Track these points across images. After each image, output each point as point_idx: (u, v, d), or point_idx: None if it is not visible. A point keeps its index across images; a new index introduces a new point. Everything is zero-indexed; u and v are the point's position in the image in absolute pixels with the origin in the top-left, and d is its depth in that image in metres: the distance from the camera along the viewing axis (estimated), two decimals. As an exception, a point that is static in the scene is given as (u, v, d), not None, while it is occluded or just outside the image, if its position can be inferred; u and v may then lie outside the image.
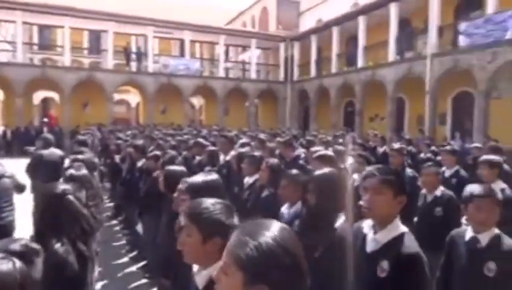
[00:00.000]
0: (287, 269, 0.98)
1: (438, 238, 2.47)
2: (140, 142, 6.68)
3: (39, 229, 2.12)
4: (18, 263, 1.18)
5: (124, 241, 6.49)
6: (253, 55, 26.41)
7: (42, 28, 28.77)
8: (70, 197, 2.20)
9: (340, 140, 8.82)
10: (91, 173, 3.72)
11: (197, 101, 29.26)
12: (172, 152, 4.88)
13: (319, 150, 5.77)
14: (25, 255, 1.44)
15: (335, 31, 21.03)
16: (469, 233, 2.24)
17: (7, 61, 21.34)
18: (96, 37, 28.79)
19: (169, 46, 29.65)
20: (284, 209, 3.13)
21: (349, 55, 20.91)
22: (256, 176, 3.94)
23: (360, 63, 19.38)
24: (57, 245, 1.99)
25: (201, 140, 6.65)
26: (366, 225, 1.99)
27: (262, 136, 9.09)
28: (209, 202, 1.56)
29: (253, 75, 26.26)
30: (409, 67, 16.35)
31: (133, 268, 5.43)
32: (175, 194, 2.61)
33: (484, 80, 13.18)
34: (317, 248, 2.59)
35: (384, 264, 1.75)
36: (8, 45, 24.43)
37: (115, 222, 7.56)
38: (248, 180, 4.07)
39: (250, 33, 26.96)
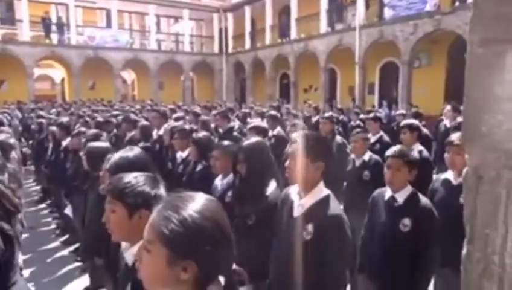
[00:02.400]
0: (214, 242, 0.94)
1: (366, 200, 2.62)
2: (65, 119, 6.24)
3: None
4: None
5: (53, 226, 6.15)
6: (186, 26, 25.56)
7: None
8: None
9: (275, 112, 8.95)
10: (6, 154, 3.41)
11: (128, 75, 27.90)
12: (96, 130, 4.61)
13: (254, 121, 5.84)
14: None
15: (268, 2, 20.93)
16: (388, 193, 2.40)
17: None
18: (8, 4, 25.92)
19: (94, 17, 27.59)
20: (218, 180, 3.13)
21: (283, 27, 21.02)
22: (188, 150, 3.88)
23: (293, 34, 19.58)
24: None
25: (132, 115, 6.38)
26: (293, 190, 2.04)
27: (197, 109, 8.95)
28: (131, 176, 1.52)
29: (187, 47, 25.49)
30: (340, 38, 16.84)
31: (65, 252, 5.19)
32: (101, 173, 2.49)
33: (407, 50, 13.99)
34: (251, 216, 2.64)
35: (309, 227, 1.82)
36: None
37: (42, 206, 7.11)
38: (181, 154, 4.00)
39: (182, 3, 25.90)
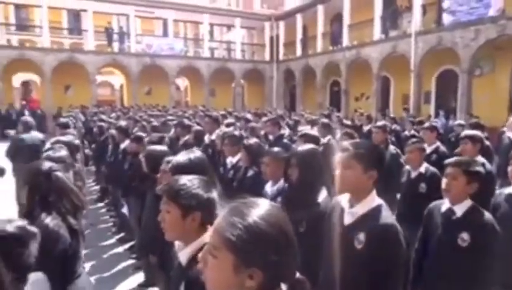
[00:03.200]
0: (280, 249, 0.93)
1: (421, 213, 2.53)
2: (123, 123, 6.60)
3: (28, 207, 2.10)
4: None
5: (110, 223, 6.49)
6: (238, 34, 26.06)
7: (19, 8, 27.77)
8: (58, 173, 2.17)
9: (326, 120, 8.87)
10: (73, 155, 3.67)
11: (182, 82, 28.91)
12: (157, 134, 4.84)
13: (305, 129, 5.83)
14: (20, 237, 1.41)
15: (320, 10, 20.84)
16: (446, 205, 2.30)
17: (-17, 43, 20.65)
18: (75, 16, 27.94)
19: (152, 26, 28.98)
20: (268, 187, 3.16)
21: (335, 34, 20.81)
22: (238, 156, 3.95)
23: (345, 41, 19.31)
24: (47, 219, 1.98)
25: (185, 120, 6.61)
26: (344, 199, 2.02)
27: (248, 116, 9.09)
28: (186, 178, 1.58)
29: (238, 55, 25.98)
30: (394, 45, 16.36)
31: (120, 249, 5.45)
32: (158, 175, 2.61)
33: (467, 58, 13.30)
34: (302, 223, 2.64)
35: (361, 236, 1.79)
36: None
37: (101, 204, 7.53)
38: (231, 160, 4.08)
39: (235, 12, 26.51)
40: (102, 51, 22.67)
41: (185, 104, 26.16)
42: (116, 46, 23.06)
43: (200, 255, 1.05)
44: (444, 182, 2.28)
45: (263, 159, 3.04)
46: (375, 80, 17.33)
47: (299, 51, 23.19)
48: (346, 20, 19.12)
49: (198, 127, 5.95)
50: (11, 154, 5.78)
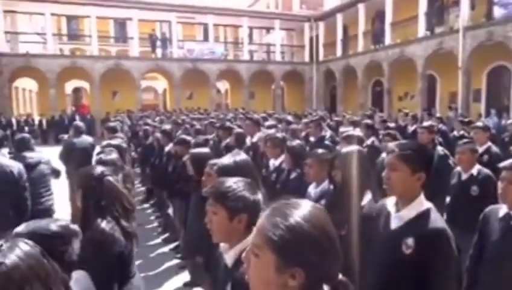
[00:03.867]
0: (322, 250, 0.94)
1: (473, 217, 2.41)
2: (167, 127, 6.80)
3: (83, 211, 2.19)
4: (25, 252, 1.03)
5: (156, 224, 6.69)
6: (277, 36, 26.09)
7: (70, 19, 29.43)
8: (110, 177, 2.25)
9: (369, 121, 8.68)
10: (122, 157, 3.83)
11: (222, 85, 29.34)
12: (202, 136, 4.94)
13: (347, 130, 5.73)
14: (64, 235, 1.51)
15: (361, 8, 20.42)
16: (503, 210, 2.18)
17: (39, 53, 22.04)
18: (121, 25, 29.20)
19: (193, 31, 29.69)
20: (311, 188, 3.14)
21: (376, 32, 20.30)
22: (281, 158, 3.95)
23: (387, 40, 18.80)
24: (103, 223, 2.07)
25: (227, 123, 6.70)
26: (390, 202, 1.97)
27: (289, 118, 9.08)
28: (232, 181, 1.60)
29: (278, 57, 26.01)
30: (440, 42, 15.72)
31: (165, 249, 5.61)
32: (203, 177, 2.66)
33: (521, 52, 12.54)
34: (344, 226, 2.60)
35: (409, 240, 1.74)
36: (38, 37, 25.19)
37: (146, 205, 7.78)
38: (274, 162, 4.09)
39: (274, 14, 26.56)
40: (146, 57, 23.52)
41: (225, 107, 26.53)
42: (159, 52, 23.83)
43: (243, 255, 1.07)
44: (500, 187, 2.16)
45: (306, 160, 3.03)
46: (420, 79, 16.73)
47: (339, 51, 22.85)
48: (389, 18, 18.60)
49: (240, 130, 6.01)
50: (64, 157, 6.11)
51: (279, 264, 0.93)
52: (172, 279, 4.64)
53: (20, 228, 1.52)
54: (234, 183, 1.59)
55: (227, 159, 2.16)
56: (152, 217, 7.06)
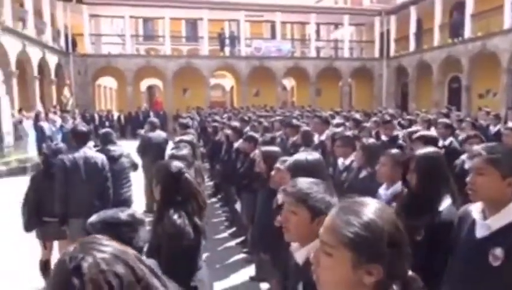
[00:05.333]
0: (396, 246, 0.95)
1: None
2: (236, 124, 6.96)
3: (160, 205, 2.32)
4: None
5: (223, 218, 6.88)
6: (345, 32, 25.46)
7: (146, 20, 31.27)
8: (187, 175, 2.35)
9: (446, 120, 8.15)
10: (194, 153, 4.00)
11: (288, 82, 29.33)
12: (270, 134, 4.99)
13: (419, 129, 5.43)
14: (131, 223, 1.63)
15: (438, 0, 19.18)
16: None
17: (119, 54, 23.74)
18: (192, 25, 30.41)
19: (260, 29, 30.00)
20: (381, 190, 3.02)
21: (455, 25, 18.94)
22: (351, 157, 3.86)
23: (467, 33, 17.46)
24: (175, 216, 2.18)
25: (294, 121, 6.69)
26: (475, 208, 1.83)
27: (357, 116, 8.82)
28: (312, 182, 1.59)
29: (346, 53, 25.38)
30: (529, 34, 14.28)
31: (232, 243, 5.75)
32: (272, 172, 2.69)
33: None
34: (419, 231, 2.47)
35: (498, 251, 1.60)
36: (118, 38, 27.12)
37: (214, 199, 8.04)
38: (343, 161, 4.00)
39: (343, 9, 25.96)
40: (215, 55, 24.25)
41: (291, 105, 26.49)
42: (227, 50, 24.44)
43: (311, 255, 1.07)
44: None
45: (380, 159, 2.92)
46: (505, 74, 15.33)
47: (412, 46, 21.70)
48: (469, 9, 17.26)
49: (307, 128, 5.97)
50: (141, 151, 6.53)
51: (355, 262, 0.94)
52: (239, 273, 4.75)
53: (93, 218, 1.67)
54: (315, 184, 1.59)
55: (300, 157, 2.16)
56: (219, 211, 7.27)
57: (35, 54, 17.36)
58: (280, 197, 2.03)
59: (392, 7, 23.97)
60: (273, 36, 25.74)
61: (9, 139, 11.35)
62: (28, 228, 3.98)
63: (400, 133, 5.80)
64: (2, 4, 14.95)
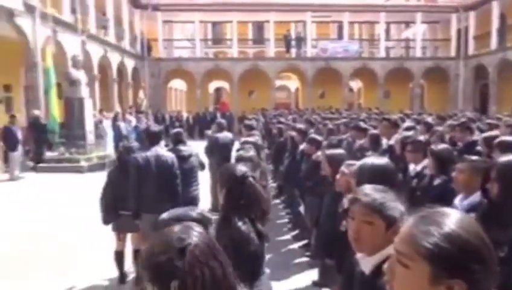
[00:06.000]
0: (483, 259, 0.87)
1: None
2: (301, 126, 6.92)
3: (224, 209, 2.35)
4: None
5: (285, 220, 6.88)
6: (418, 31, 24.20)
7: (214, 25, 32.30)
8: (251, 179, 2.33)
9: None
10: (258, 154, 4.04)
11: (355, 84, 28.57)
12: (336, 137, 4.89)
13: (498, 134, 4.98)
14: (201, 221, 1.68)
15: (526, -8, 17.54)
16: None
17: (188, 57, 24.82)
18: (259, 27, 30.84)
19: (327, 30, 29.57)
20: (457, 200, 2.82)
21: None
22: (423, 163, 3.65)
23: (561, 27, 15.73)
24: (240, 223, 2.17)
25: (361, 124, 6.49)
26: None
27: (429, 119, 8.33)
28: (383, 189, 1.54)
29: (418, 52, 24.13)
30: None
31: (295, 246, 5.71)
32: (337, 176, 2.63)
33: None
34: (502, 247, 2.27)
35: None
36: (188, 43, 28.35)
37: (277, 201, 8.06)
38: (414, 167, 3.80)
39: (415, 7, 24.68)
40: (281, 57, 24.36)
41: (358, 107, 25.76)
42: (293, 52, 24.43)
43: (385, 265, 1.02)
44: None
45: (457, 165, 2.73)
46: None
47: (494, 44, 20.03)
48: None
49: (375, 131, 5.76)
50: (209, 151, 6.74)
51: (435, 275, 0.88)
52: (301, 276, 4.71)
53: (165, 214, 1.74)
54: (386, 192, 1.54)
55: (367, 161, 2.08)
56: (282, 213, 7.27)
57: (115, 59, 18.76)
58: (346, 203, 1.97)
59: (470, 2, 22.31)
60: (340, 37, 25.25)
61: (91, 137, 12.35)
62: (105, 221, 4.30)
63: (478, 138, 5.37)
64: (88, 14, 16.36)
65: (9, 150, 10.37)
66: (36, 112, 11.91)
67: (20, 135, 10.55)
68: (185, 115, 24.33)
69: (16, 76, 14.30)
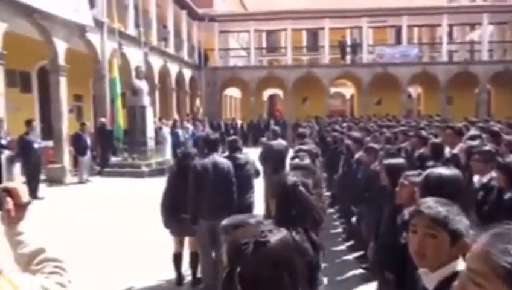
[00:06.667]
0: None
1: None
2: (357, 134, 6.77)
3: (276, 218, 2.35)
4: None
5: (340, 230, 6.74)
6: (484, 32, 22.75)
7: (269, 33, 32.66)
8: (301, 188, 2.32)
9: None
10: (313, 162, 4.02)
11: (414, 90, 27.41)
12: (394, 146, 4.74)
13: None
14: None
15: None
16: None
17: (243, 66, 25.30)
18: (313, 34, 30.70)
19: (384, 35, 28.73)
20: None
21: None
22: (490, 175, 3.43)
23: None
24: (293, 233, 2.14)
25: (422, 132, 6.22)
26: None
27: (496, 127, 7.77)
28: (447, 202, 1.48)
29: (484, 56, 22.66)
30: None
31: (350, 257, 5.58)
32: (397, 188, 2.55)
33: None
34: None
35: None
36: (243, 51, 28.91)
37: (331, 210, 7.92)
38: (480, 178, 3.57)
39: (481, 7, 23.28)
40: (336, 64, 24.06)
41: (417, 114, 24.67)
42: (348, 58, 24.02)
43: (456, 284, 0.99)
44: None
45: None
46: None
47: None
48: None
49: (437, 140, 5.49)
50: (263, 158, 6.81)
51: None
52: (357, 288, 4.59)
53: (225, 221, 1.78)
54: (450, 205, 1.48)
55: (434, 172, 2.00)
56: (336, 223, 7.14)
57: (173, 69, 19.60)
58: (407, 215, 1.90)
59: (545, 1, 20.63)
60: (398, 41, 24.43)
61: (151, 143, 12.98)
62: (166, 224, 4.50)
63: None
64: (151, 27, 17.30)
65: (79, 154, 11.17)
66: (102, 120, 12.76)
67: (89, 141, 11.34)
68: (239, 122, 24.76)
69: (86, 87, 15.43)
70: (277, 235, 1.19)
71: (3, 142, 8.49)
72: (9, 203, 1.20)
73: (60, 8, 10.44)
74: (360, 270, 5.04)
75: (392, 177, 2.77)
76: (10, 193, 1.22)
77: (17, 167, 8.60)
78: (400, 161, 3.08)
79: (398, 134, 7.50)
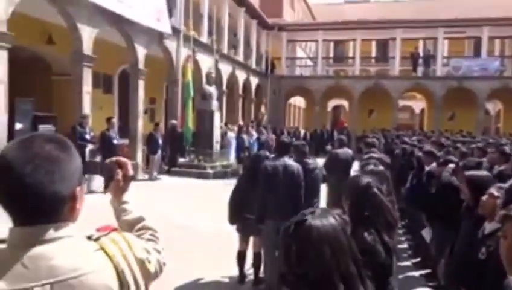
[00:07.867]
0: None
1: None
2: (429, 147, 6.50)
3: (350, 220, 2.35)
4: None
5: (406, 245, 6.48)
6: None
7: (337, 43, 32.32)
8: (375, 189, 2.32)
9: None
10: (386, 169, 3.94)
11: (492, 106, 25.49)
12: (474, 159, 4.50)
13: None
14: None
15: None
16: None
17: (309, 75, 25.27)
18: (383, 45, 29.80)
19: (461, 47, 27.12)
20: None
21: None
22: None
23: None
24: (365, 234, 2.15)
25: (505, 147, 5.83)
26: None
27: None
28: None
29: None
30: None
31: (416, 273, 5.36)
32: (483, 197, 2.43)
33: None
34: None
35: None
36: (309, 61, 28.89)
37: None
38: None
39: None
40: (406, 76, 23.13)
41: (495, 131, 22.90)
42: (420, 70, 23.00)
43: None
44: None
45: None
46: None
47: None
48: None
49: (520, 157, 5.12)
50: (328, 165, 6.77)
51: None
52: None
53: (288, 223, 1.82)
54: None
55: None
56: (403, 238, 6.87)
57: (241, 76, 20.15)
58: (488, 227, 1.83)
59: None
60: (477, 53, 22.92)
61: (217, 147, 13.42)
62: (231, 221, 4.65)
63: None
64: (223, 35, 17.99)
65: (151, 153, 11.88)
66: (174, 122, 13.46)
67: (160, 141, 12.02)
68: (302, 131, 24.72)
69: (160, 90, 16.41)
70: (318, 217, 1.28)
71: (88, 136, 9.31)
72: (119, 174, 1.34)
73: (144, 17, 11.27)
74: (427, 289, 4.82)
75: (473, 190, 2.64)
76: (120, 165, 1.36)
77: (98, 160, 9.36)
78: (483, 173, 2.93)
79: (474, 150, 7.07)
